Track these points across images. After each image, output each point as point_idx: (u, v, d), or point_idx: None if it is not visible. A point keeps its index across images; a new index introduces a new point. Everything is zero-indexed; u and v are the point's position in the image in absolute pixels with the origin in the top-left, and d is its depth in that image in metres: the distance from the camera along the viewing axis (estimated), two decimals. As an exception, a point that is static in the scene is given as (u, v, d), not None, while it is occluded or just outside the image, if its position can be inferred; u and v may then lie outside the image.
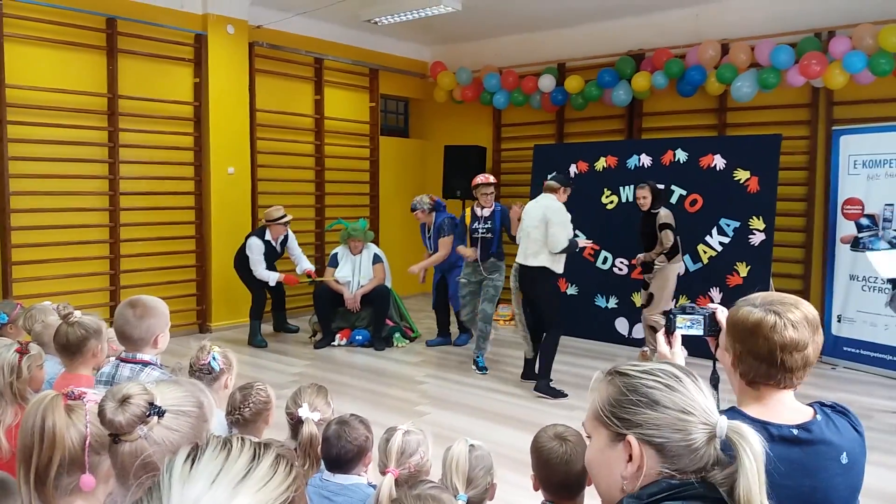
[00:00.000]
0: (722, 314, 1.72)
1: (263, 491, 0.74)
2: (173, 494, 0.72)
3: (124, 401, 1.29)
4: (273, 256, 7.07)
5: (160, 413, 1.29)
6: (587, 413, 1.28)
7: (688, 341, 1.81)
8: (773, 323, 1.47)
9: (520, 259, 5.57)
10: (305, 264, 7.30)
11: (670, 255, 5.94)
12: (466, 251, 6.27)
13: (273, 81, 8.15)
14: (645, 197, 6.03)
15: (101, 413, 1.30)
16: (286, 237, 7.14)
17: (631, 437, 1.17)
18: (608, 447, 1.21)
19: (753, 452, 1.06)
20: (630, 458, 1.17)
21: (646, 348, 6.24)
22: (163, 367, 2.50)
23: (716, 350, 1.75)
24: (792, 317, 1.49)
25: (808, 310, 1.53)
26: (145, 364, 2.41)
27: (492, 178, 6.28)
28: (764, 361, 1.49)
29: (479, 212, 6.21)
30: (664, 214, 5.97)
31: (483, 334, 6.17)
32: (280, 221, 6.93)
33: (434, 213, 6.97)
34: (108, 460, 1.37)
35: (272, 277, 6.94)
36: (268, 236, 6.96)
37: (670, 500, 1.09)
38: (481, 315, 6.19)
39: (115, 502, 1.39)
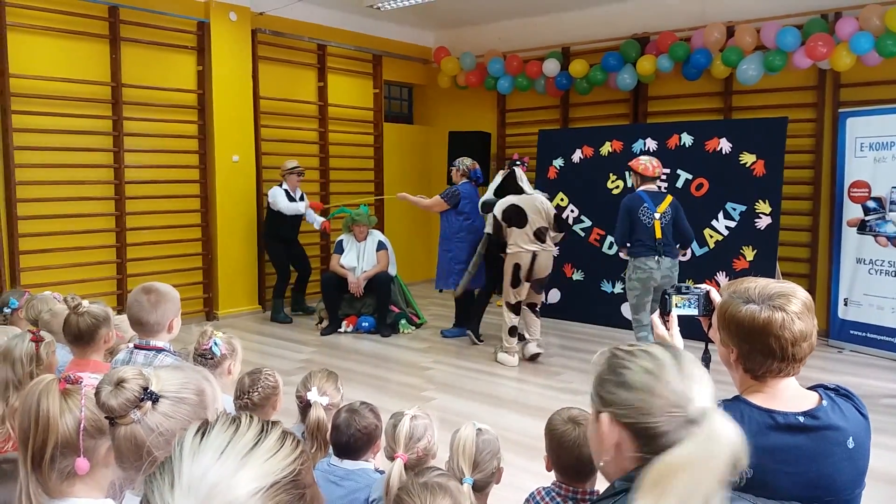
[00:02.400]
0: (716, 294, 1.71)
1: (270, 462, 0.77)
2: (183, 467, 0.76)
3: (118, 384, 1.29)
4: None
5: (154, 398, 1.29)
6: None
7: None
8: (782, 320, 1.47)
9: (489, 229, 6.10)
10: (319, 219, 7.69)
11: None
12: None
13: (276, 68, 8.12)
14: None
15: (97, 395, 1.31)
16: (302, 194, 7.57)
17: (602, 415, 1.19)
18: (593, 423, 1.24)
19: (710, 438, 0.99)
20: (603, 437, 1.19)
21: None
22: (177, 353, 2.53)
23: (708, 330, 1.75)
24: (795, 308, 1.49)
25: (804, 296, 1.53)
26: (159, 350, 2.44)
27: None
28: (775, 358, 1.50)
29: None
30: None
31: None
32: (294, 171, 7.35)
33: (463, 180, 6.83)
34: (105, 444, 1.38)
35: (298, 208, 7.30)
36: (285, 186, 7.36)
37: None
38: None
39: (116, 486, 1.41)
